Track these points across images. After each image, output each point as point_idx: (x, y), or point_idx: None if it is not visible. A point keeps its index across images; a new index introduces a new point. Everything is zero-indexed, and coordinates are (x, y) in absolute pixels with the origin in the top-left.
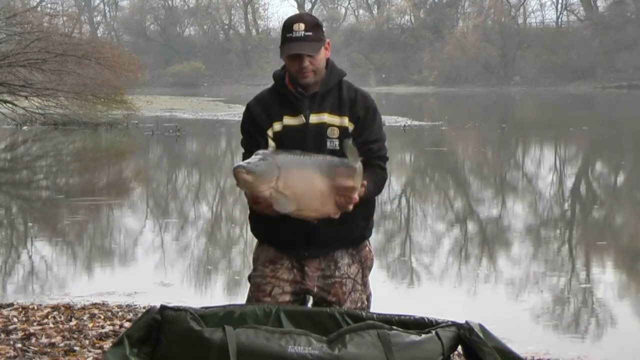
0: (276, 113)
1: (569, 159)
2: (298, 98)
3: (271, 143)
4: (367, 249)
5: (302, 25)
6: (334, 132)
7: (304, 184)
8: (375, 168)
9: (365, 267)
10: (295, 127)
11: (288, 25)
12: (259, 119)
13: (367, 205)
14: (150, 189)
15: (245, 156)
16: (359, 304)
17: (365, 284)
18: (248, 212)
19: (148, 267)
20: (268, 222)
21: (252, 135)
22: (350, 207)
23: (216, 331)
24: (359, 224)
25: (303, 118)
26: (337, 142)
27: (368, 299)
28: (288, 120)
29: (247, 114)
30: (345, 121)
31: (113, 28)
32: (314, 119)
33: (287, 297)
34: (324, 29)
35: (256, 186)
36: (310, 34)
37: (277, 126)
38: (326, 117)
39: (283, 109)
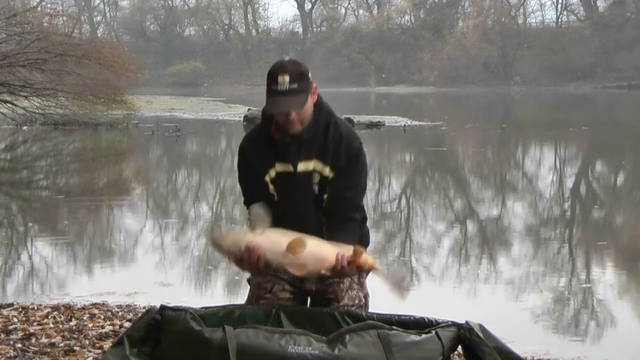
0: (269, 159)
1: (569, 159)
2: (286, 147)
3: (270, 187)
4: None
5: (286, 78)
6: (315, 178)
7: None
8: (352, 223)
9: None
10: (286, 174)
11: (272, 75)
12: (254, 165)
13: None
14: (150, 189)
15: (246, 196)
16: (356, 301)
17: (361, 284)
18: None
19: (148, 267)
20: None
21: (251, 179)
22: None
23: (216, 331)
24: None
25: (291, 167)
26: (316, 188)
27: (366, 298)
28: (280, 167)
29: (242, 159)
30: (327, 170)
31: (113, 28)
32: (301, 167)
33: (287, 295)
34: (309, 75)
35: (237, 234)
36: (296, 86)
37: (272, 172)
38: (312, 165)
39: (275, 155)
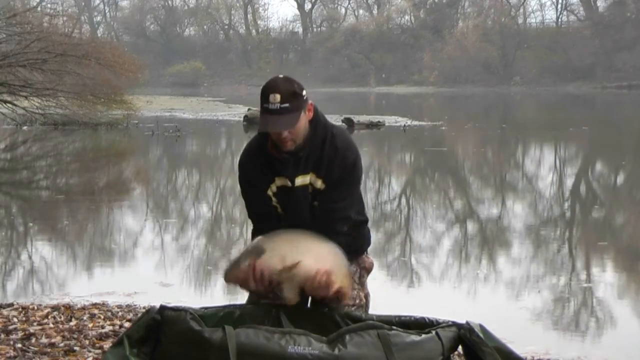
0: (269, 175)
1: (569, 159)
2: (283, 163)
3: (273, 199)
4: (364, 255)
5: (277, 97)
6: (310, 190)
7: (293, 238)
8: (337, 238)
9: (362, 268)
10: (285, 188)
11: (265, 93)
12: (256, 182)
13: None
14: (150, 189)
15: (250, 209)
16: (357, 301)
17: (362, 284)
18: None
19: (148, 267)
20: None
21: (254, 193)
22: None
23: (216, 331)
24: (356, 239)
25: (289, 182)
26: (310, 198)
27: (366, 297)
28: (279, 182)
29: (243, 175)
30: (319, 183)
31: (113, 28)
32: (299, 181)
33: None
34: (303, 93)
35: (239, 265)
36: (287, 105)
37: (273, 187)
38: (308, 178)
39: (274, 170)
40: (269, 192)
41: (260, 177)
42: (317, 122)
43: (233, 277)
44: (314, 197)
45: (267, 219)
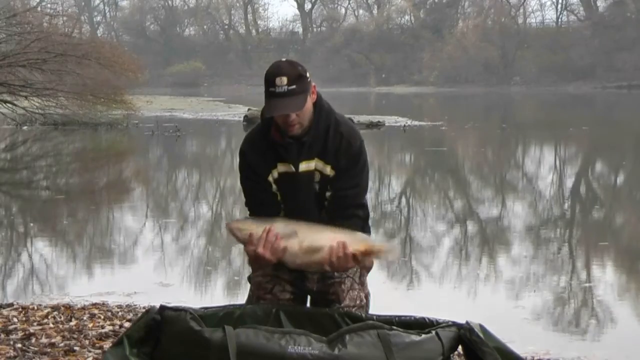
0: (271, 161)
1: (569, 159)
2: (287, 148)
3: (274, 187)
4: None
5: (284, 79)
6: (316, 177)
7: (308, 223)
8: (355, 220)
9: (362, 267)
10: (288, 174)
11: (270, 78)
12: (257, 168)
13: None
14: (150, 189)
15: (248, 198)
16: (357, 302)
17: (362, 283)
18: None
19: (148, 267)
20: None
21: (254, 181)
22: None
23: (216, 331)
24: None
25: (293, 167)
26: (317, 186)
27: (367, 297)
28: (281, 168)
29: (244, 162)
30: (328, 169)
31: (113, 28)
32: (303, 167)
33: (288, 295)
34: (307, 75)
35: (249, 228)
36: (294, 87)
37: (275, 173)
38: (313, 164)
39: (276, 156)
40: (270, 179)
41: (262, 163)
42: (321, 106)
43: (240, 228)
44: (323, 185)
45: (265, 206)
